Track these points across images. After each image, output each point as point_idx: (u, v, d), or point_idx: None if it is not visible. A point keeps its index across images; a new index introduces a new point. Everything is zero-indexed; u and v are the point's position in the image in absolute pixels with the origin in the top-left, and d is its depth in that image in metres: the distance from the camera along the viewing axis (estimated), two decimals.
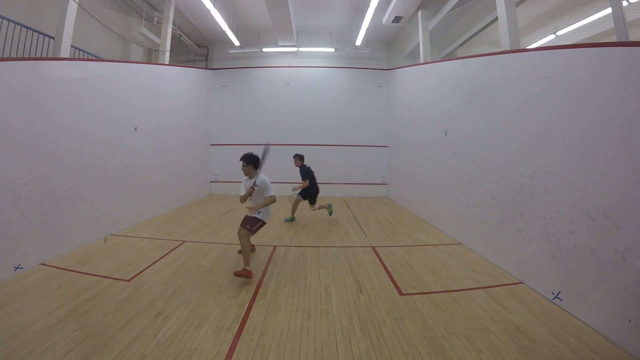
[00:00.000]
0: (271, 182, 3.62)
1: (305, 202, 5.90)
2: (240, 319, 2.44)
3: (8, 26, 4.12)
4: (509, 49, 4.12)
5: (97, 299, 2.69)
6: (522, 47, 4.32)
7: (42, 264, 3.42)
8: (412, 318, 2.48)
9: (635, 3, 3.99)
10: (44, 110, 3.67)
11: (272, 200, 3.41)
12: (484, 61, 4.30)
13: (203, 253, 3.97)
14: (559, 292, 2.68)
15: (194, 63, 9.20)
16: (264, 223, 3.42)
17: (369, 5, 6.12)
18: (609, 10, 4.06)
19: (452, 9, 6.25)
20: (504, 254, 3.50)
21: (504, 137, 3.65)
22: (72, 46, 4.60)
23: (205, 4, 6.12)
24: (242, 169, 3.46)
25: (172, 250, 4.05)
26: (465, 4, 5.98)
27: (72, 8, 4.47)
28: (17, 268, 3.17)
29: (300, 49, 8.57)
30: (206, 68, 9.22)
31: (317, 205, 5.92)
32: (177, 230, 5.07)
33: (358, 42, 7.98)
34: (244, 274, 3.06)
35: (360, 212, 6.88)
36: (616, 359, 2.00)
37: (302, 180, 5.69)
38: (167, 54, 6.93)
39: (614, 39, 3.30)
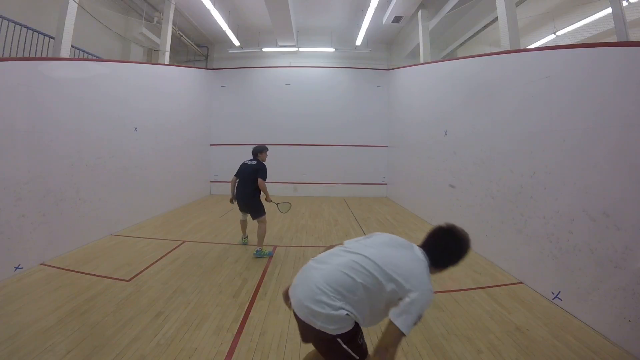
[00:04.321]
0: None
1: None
2: (240, 319, 2.44)
3: (8, 26, 4.11)
4: (509, 49, 4.12)
5: (97, 299, 2.69)
6: (522, 47, 4.32)
7: (42, 264, 3.42)
8: None
9: (635, 3, 3.99)
10: (44, 110, 3.67)
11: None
12: (484, 61, 4.30)
13: (203, 253, 3.97)
14: (559, 292, 2.68)
15: (194, 63, 9.20)
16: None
17: (369, 5, 6.12)
18: (609, 10, 4.05)
19: (452, 9, 6.25)
20: (504, 254, 3.50)
21: (504, 137, 3.65)
22: (72, 46, 4.60)
23: (205, 4, 6.12)
24: None
25: (172, 250, 4.05)
26: (465, 4, 5.98)
27: (72, 8, 4.47)
28: (17, 268, 3.17)
29: (300, 49, 8.57)
30: (206, 68, 9.22)
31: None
32: (177, 230, 5.07)
33: (358, 42, 7.97)
34: None
35: (360, 212, 6.88)
36: (616, 359, 2.00)
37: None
38: (167, 54, 6.93)
39: (614, 39, 3.30)
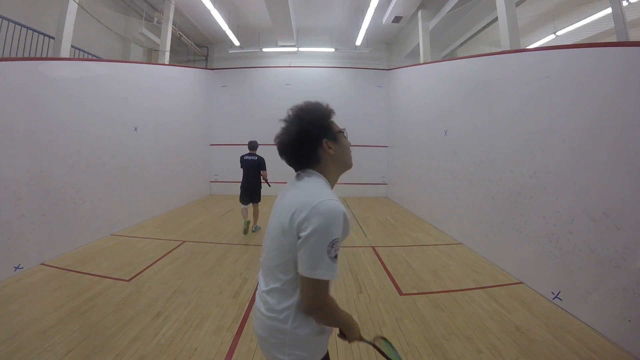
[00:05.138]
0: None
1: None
2: (240, 319, 2.44)
3: (8, 26, 4.11)
4: (509, 49, 4.12)
5: (97, 299, 2.69)
6: (522, 47, 4.32)
7: (42, 264, 3.42)
8: (412, 318, 2.48)
9: (635, 3, 3.99)
10: (44, 110, 3.67)
11: None
12: (484, 61, 4.30)
13: (203, 253, 3.97)
14: (559, 292, 2.68)
15: (194, 63, 9.19)
16: None
17: (369, 5, 6.12)
18: (609, 10, 4.05)
19: (452, 9, 6.24)
20: (504, 254, 3.50)
21: (504, 137, 3.65)
22: (72, 46, 4.60)
23: (205, 4, 6.12)
24: None
25: (172, 250, 4.05)
26: (465, 4, 5.97)
27: (72, 8, 4.47)
28: (17, 268, 3.17)
29: (300, 49, 8.57)
30: (206, 68, 9.22)
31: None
32: (177, 230, 5.07)
33: (358, 42, 7.97)
34: None
35: (360, 212, 6.88)
36: (616, 359, 2.00)
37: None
38: (167, 54, 6.93)
39: (614, 39, 3.30)
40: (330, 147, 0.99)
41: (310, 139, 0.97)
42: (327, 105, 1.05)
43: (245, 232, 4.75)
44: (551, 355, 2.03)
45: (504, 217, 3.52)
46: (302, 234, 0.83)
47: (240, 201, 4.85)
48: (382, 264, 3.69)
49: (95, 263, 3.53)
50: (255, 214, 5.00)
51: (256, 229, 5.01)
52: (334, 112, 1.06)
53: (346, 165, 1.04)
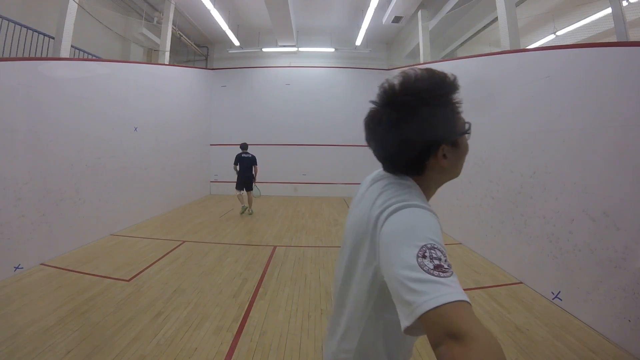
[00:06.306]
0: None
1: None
2: (240, 319, 2.44)
3: (8, 26, 4.11)
4: (509, 49, 4.12)
5: (97, 299, 2.69)
6: (522, 47, 4.32)
7: (42, 264, 3.42)
8: None
9: (635, 3, 3.99)
10: (44, 110, 3.67)
11: None
12: (484, 61, 4.30)
13: (203, 253, 3.97)
14: (559, 292, 2.68)
15: (194, 63, 9.19)
16: None
17: (369, 5, 6.12)
18: (609, 10, 4.05)
19: (452, 9, 6.25)
20: (504, 254, 3.50)
21: (504, 137, 3.65)
22: (72, 46, 4.60)
23: (205, 4, 6.12)
24: None
25: (172, 250, 4.05)
26: (465, 4, 5.97)
27: (72, 8, 4.47)
28: (17, 268, 3.17)
29: (300, 49, 8.57)
30: (206, 68, 9.22)
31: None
32: (177, 230, 5.07)
33: (358, 42, 7.98)
34: None
35: None
36: (616, 359, 2.00)
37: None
38: (167, 54, 6.93)
39: (614, 39, 3.30)
40: (445, 156, 0.65)
41: (420, 145, 0.63)
42: (454, 79, 0.68)
43: (242, 213, 6.32)
44: (551, 355, 2.03)
45: (504, 217, 3.52)
46: (384, 258, 0.56)
47: (236, 188, 6.22)
48: None
49: (95, 263, 3.53)
50: (250, 201, 6.34)
51: (251, 212, 6.40)
52: (458, 88, 0.68)
53: (455, 176, 0.72)
